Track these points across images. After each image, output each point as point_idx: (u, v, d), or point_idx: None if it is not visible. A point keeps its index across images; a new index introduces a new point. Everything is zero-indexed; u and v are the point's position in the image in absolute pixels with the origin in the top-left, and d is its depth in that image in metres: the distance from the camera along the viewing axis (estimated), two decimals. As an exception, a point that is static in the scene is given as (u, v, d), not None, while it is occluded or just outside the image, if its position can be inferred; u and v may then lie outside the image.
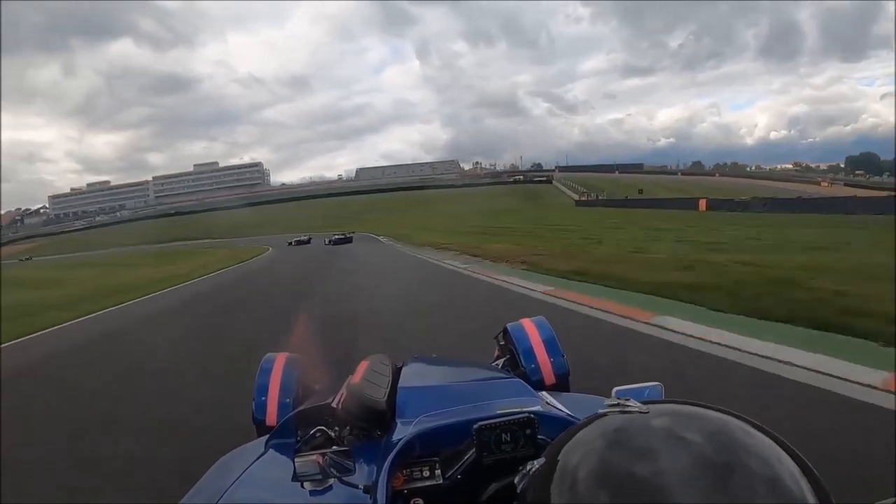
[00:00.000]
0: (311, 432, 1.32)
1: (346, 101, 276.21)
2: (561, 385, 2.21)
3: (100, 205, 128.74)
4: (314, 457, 1.06)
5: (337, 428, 1.41)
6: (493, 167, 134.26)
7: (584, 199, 71.10)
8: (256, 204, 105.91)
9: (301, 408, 1.67)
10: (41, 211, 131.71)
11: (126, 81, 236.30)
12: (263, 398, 2.12)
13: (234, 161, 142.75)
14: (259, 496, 1.26)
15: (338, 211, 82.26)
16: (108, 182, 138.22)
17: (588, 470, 0.54)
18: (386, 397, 1.45)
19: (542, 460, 0.62)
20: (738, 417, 0.58)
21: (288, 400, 2.10)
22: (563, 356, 2.31)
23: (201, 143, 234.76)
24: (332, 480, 1.08)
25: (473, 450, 1.05)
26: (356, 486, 1.08)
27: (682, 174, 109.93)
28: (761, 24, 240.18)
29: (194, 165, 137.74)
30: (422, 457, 1.15)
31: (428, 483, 1.11)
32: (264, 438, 1.55)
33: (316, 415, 1.48)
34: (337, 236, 33.84)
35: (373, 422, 1.40)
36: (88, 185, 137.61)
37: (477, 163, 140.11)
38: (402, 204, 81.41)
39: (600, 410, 0.63)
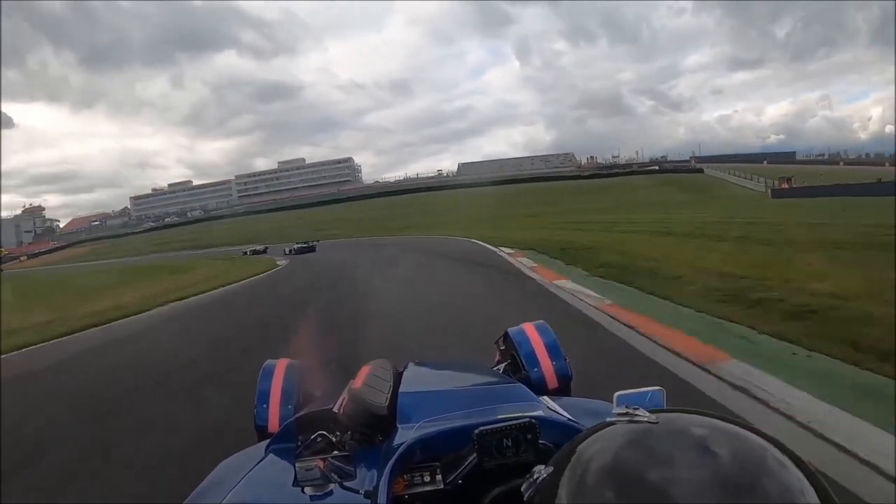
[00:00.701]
0: (312, 437, 1.30)
1: (447, 104, 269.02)
2: (564, 389, 2.11)
3: (181, 205, 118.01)
4: (315, 461, 1.06)
5: (338, 433, 1.36)
6: (615, 159, 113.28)
7: (785, 187, 48.29)
8: (339, 201, 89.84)
9: (302, 413, 1.63)
10: (125, 211, 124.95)
11: (232, 91, 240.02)
12: (265, 405, 2.05)
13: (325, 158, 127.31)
14: (259, 501, 1.24)
15: (427, 206, 64.48)
16: (189, 182, 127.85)
17: (596, 479, 0.53)
18: (387, 402, 1.41)
19: (549, 468, 0.60)
20: (749, 429, 0.56)
21: (290, 406, 2.02)
22: (565, 360, 2.21)
23: (306, 149, 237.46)
24: (332, 485, 1.08)
25: (475, 455, 1.06)
26: (357, 492, 1.07)
27: (846, 164, 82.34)
28: (873, 8, 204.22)
29: (279, 163, 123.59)
30: (423, 462, 1.14)
31: (429, 488, 1.10)
32: (265, 443, 1.52)
33: (317, 420, 1.44)
34: (299, 245, 32.63)
35: (374, 427, 1.36)
36: (170, 185, 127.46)
37: (592, 157, 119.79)
38: (514, 199, 59.92)
39: (609, 419, 0.61)
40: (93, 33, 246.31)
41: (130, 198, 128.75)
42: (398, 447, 1.12)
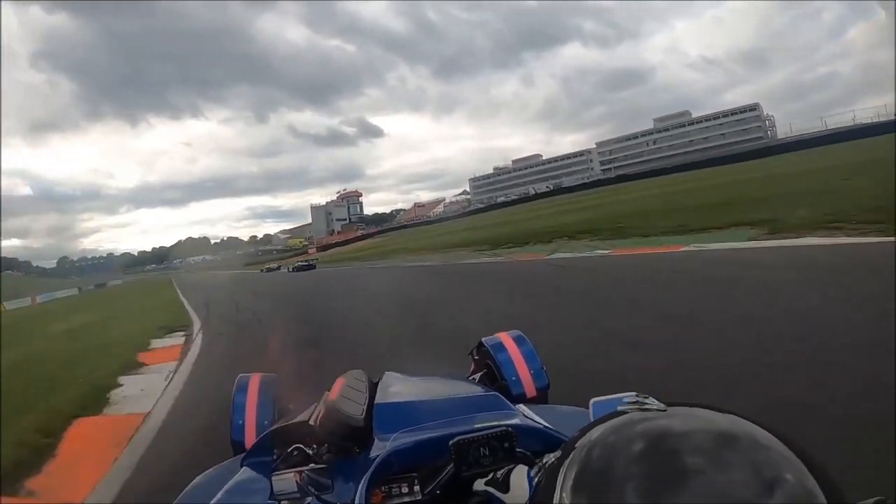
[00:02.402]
0: (288, 450, 1.28)
1: (807, 73, 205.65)
2: (542, 397, 2.14)
3: (528, 183, 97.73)
4: (291, 474, 1.04)
5: (314, 445, 1.34)
6: None
7: None
8: (746, 157, 55.81)
9: (277, 425, 1.60)
10: (464, 195, 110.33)
11: (581, 83, 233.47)
12: (241, 420, 2.04)
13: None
14: None
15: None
16: (538, 156, 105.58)
17: (607, 465, 0.52)
18: (364, 413, 1.38)
19: (558, 454, 0.60)
20: (759, 424, 0.56)
21: (266, 421, 2.02)
22: (542, 368, 2.24)
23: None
24: (309, 499, 1.06)
25: (452, 465, 1.04)
26: None
27: None
28: None
29: (654, 120, 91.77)
30: (400, 473, 1.13)
31: (407, 499, 1.09)
32: (240, 457, 1.50)
33: (292, 432, 1.42)
34: (300, 263, 32.28)
35: (350, 438, 1.34)
36: (514, 161, 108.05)
37: None
38: None
39: (619, 408, 0.61)
40: (440, 47, 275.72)
41: (469, 180, 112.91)
42: (375, 458, 1.12)
